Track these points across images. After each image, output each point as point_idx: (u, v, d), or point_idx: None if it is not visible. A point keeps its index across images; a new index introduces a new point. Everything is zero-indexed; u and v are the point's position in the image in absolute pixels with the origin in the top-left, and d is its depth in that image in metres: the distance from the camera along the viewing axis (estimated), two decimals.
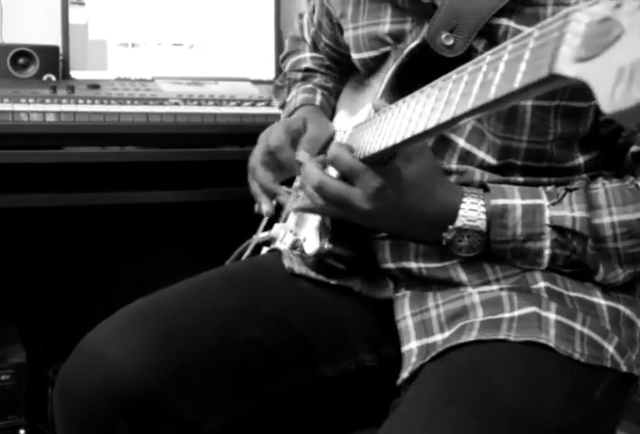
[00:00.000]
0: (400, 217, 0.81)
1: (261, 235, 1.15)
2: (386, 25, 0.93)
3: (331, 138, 1.04)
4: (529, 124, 0.83)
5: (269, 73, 1.87)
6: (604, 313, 0.84)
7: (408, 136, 0.67)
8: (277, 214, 1.11)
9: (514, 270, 0.84)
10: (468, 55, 0.80)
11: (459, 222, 0.80)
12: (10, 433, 1.57)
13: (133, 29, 1.77)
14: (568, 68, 0.42)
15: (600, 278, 0.83)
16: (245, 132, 1.51)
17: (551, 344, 0.78)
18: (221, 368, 0.90)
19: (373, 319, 0.99)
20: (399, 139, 0.69)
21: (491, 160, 0.86)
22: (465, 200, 0.81)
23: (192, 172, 1.57)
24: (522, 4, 0.79)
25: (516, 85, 0.47)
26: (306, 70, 1.19)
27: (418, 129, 0.64)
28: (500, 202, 0.81)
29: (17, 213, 1.80)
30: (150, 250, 1.96)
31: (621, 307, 0.85)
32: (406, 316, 0.88)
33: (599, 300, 0.84)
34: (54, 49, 1.69)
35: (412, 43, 0.85)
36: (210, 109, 1.53)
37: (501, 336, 0.79)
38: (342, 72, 1.17)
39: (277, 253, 1.07)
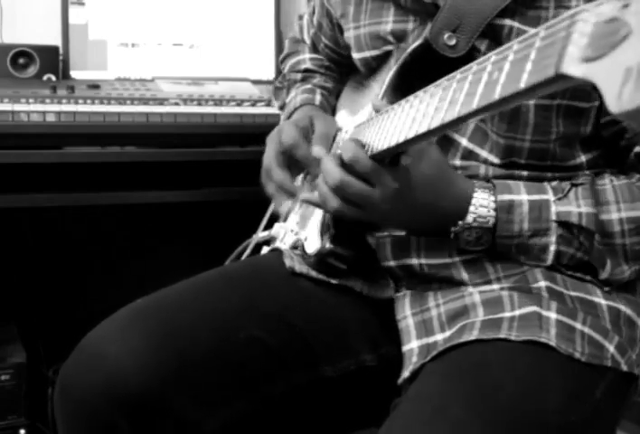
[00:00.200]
0: (415, 214, 0.82)
1: (261, 235, 1.15)
2: (388, 24, 0.93)
3: (335, 135, 1.04)
4: (532, 123, 0.83)
5: (269, 73, 1.87)
6: (604, 312, 0.84)
7: (411, 135, 0.67)
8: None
9: (515, 270, 0.85)
10: (471, 55, 0.81)
11: (469, 218, 0.81)
12: (10, 433, 1.57)
13: (133, 29, 1.77)
14: (574, 68, 0.42)
15: (607, 274, 0.83)
16: (245, 132, 1.52)
17: (552, 343, 0.78)
18: (221, 368, 0.90)
19: (374, 319, 0.99)
20: (402, 139, 0.69)
21: (494, 159, 0.86)
22: (475, 195, 0.81)
23: (193, 172, 1.57)
24: (525, 7, 0.80)
25: (522, 85, 0.47)
26: (306, 70, 1.19)
27: (422, 129, 0.64)
28: (506, 197, 0.81)
29: (17, 213, 1.79)
30: (150, 250, 1.96)
31: (621, 307, 0.85)
32: (406, 315, 0.88)
33: (600, 300, 0.84)
34: (54, 49, 1.68)
35: (414, 43, 0.85)
36: (210, 109, 1.52)
37: (502, 336, 0.79)
38: (341, 73, 1.17)
39: (277, 253, 1.07)
